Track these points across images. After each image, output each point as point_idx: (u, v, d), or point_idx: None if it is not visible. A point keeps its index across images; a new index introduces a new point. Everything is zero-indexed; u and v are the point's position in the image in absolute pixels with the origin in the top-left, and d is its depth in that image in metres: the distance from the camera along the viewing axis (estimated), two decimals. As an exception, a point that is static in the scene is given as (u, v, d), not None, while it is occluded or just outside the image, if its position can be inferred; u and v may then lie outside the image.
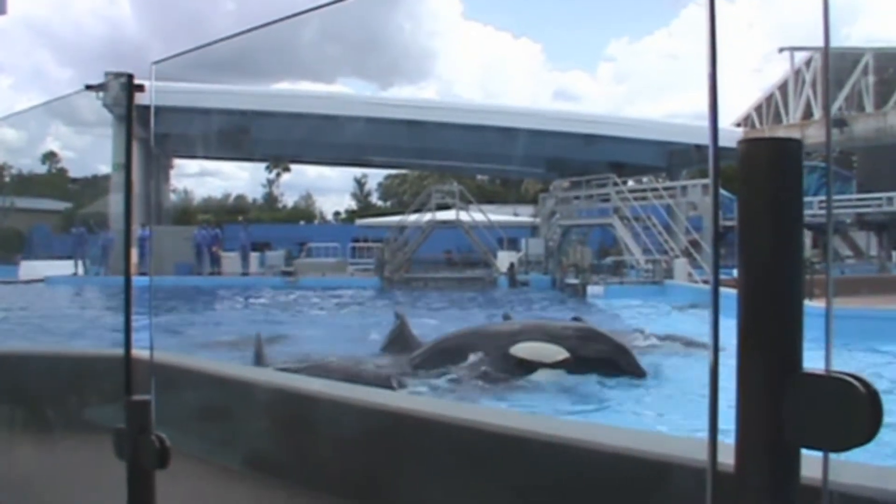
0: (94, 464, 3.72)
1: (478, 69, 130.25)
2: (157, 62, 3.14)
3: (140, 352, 3.32)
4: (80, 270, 40.91)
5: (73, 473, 5.12)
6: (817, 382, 1.34)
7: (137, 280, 3.61)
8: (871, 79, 50.06)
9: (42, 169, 73.39)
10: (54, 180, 74.10)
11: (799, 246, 1.39)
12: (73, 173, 73.84)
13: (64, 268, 40.51)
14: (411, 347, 16.83)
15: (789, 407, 1.34)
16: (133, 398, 3.09)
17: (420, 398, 7.30)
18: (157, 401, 3.11)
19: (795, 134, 48.46)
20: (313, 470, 4.84)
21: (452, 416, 4.31)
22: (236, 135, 47.64)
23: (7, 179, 49.78)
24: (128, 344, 3.17)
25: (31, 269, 40.06)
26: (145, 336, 3.46)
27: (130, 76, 3.28)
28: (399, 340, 17.56)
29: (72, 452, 5.44)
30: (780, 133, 48.16)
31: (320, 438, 4.93)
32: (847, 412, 1.31)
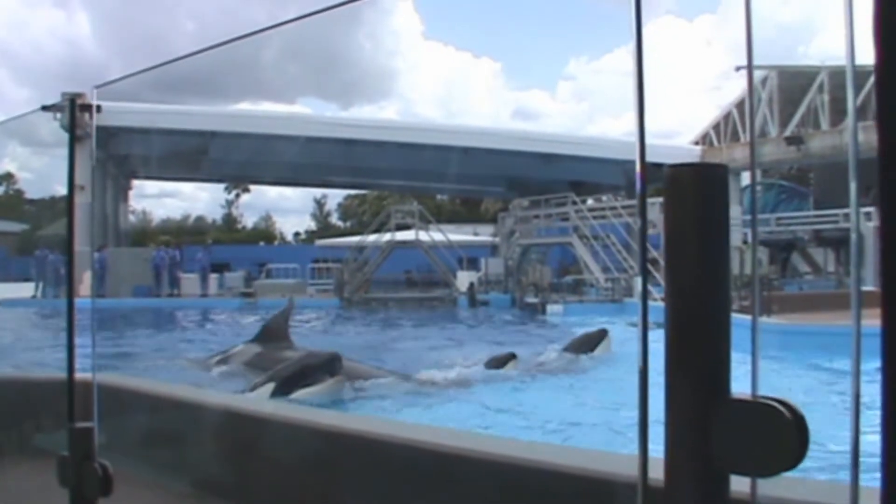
0: (38, 491, 3.67)
1: (438, 88, 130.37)
2: (99, 86, 3.13)
3: (84, 376, 3.29)
4: (40, 293, 40.52)
5: (16, 501, 5.05)
6: (744, 407, 1.34)
7: (93, 302, 3.58)
8: (826, 97, 50.57)
9: (-1, 190, 72.90)
10: (11, 202, 73.52)
11: (725, 270, 1.39)
12: (30, 194, 73.24)
13: (21, 290, 40.05)
14: (281, 338, 17.49)
15: (717, 432, 1.34)
16: (76, 425, 3.05)
17: (372, 419, 7.27)
18: (103, 424, 3.08)
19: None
20: (263, 491, 4.81)
21: (401, 437, 4.30)
22: (195, 155, 47.44)
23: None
24: (71, 370, 3.14)
25: (-14, 291, 39.61)
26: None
27: (73, 99, 3.26)
28: (274, 330, 17.97)
29: (16, 480, 5.37)
30: (738, 151, 48.57)
31: (270, 460, 4.89)
32: (774, 437, 1.31)
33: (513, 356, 18.17)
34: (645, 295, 1.50)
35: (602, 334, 19.54)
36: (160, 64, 3.08)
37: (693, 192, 1.39)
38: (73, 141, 3.20)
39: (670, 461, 1.38)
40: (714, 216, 1.39)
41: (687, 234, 1.39)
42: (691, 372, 1.38)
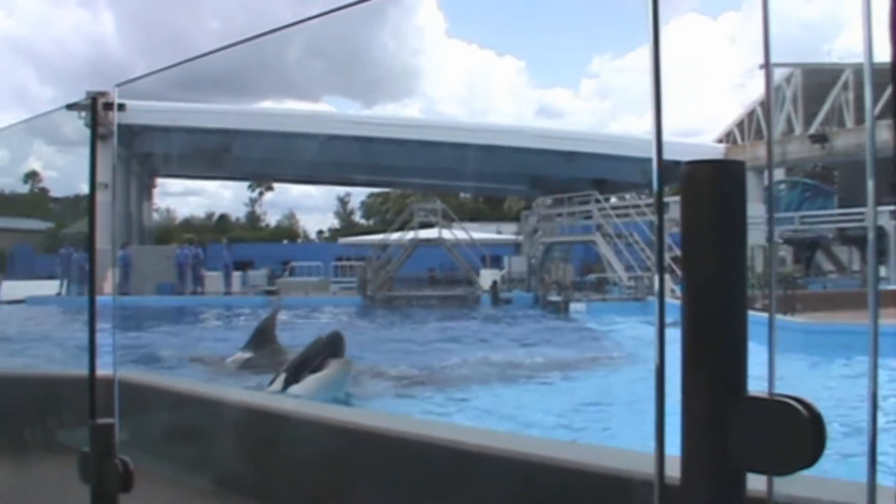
0: (60, 487, 3.69)
1: (462, 87, 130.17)
2: (120, 84, 3.13)
3: (105, 373, 3.30)
4: (65, 290, 40.66)
5: (39, 497, 5.08)
6: (760, 405, 1.34)
7: (114, 300, 3.59)
8: (850, 94, 50.27)
9: (24, 188, 73.12)
10: (36, 200, 73.80)
11: (742, 268, 1.39)
12: (54, 193, 73.42)
13: (47, 288, 40.22)
14: (270, 342, 18.37)
15: (733, 430, 1.33)
16: (97, 422, 3.06)
17: (389, 415, 7.28)
18: (125, 421, 3.09)
19: (776, 149, 48.56)
20: (281, 488, 4.82)
21: (417, 433, 4.31)
22: (219, 153, 47.58)
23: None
24: (92, 367, 3.15)
25: (11, 289, 39.79)
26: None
27: (95, 97, 3.27)
28: (263, 334, 18.90)
29: (38, 475, 5.40)
30: (761, 149, 48.28)
31: (288, 456, 4.90)
32: (790, 435, 1.30)
33: None
34: (662, 293, 1.50)
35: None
36: (181, 62, 3.08)
37: (710, 188, 1.39)
38: (95, 139, 3.21)
39: (686, 459, 1.38)
40: (731, 213, 1.38)
41: (703, 231, 1.38)
42: (708, 370, 1.37)
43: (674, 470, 1.41)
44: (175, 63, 3.09)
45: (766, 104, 53.94)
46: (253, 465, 5.12)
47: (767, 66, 1.49)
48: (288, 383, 13.39)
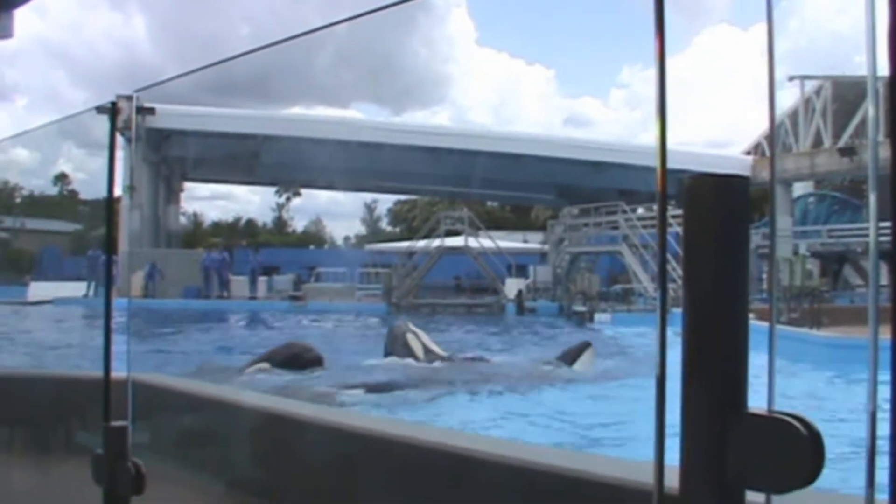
0: (73, 489, 3.71)
1: (491, 95, 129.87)
2: (139, 90, 3.15)
3: (119, 375, 3.31)
4: (92, 293, 40.79)
5: (51, 498, 5.09)
6: (760, 423, 1.33)
7: (129, 302, 3.61)
8: (881, 107, 49.96)
9: (53, 190, 73.38)
10: (65, 202, 74.00)
11: (744, 285, 1.38)
12: (84, 195, 73.47)
13: (74, 290, 40.39)
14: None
15: (732, 446, 1.33)
16: (111, 424, 3.07)
17: (399, 422, 7.32)
18: (139, 424, 3.10)
19: (805, 162, 48.48)
20: (293, 491, 4.82)
21: (421, 439, 4.33)
22: (247, 158, 47.71)
23: (18, 200, 49.95)
24: (107, 370, 3.16)
25: (39, 290, 40.04)
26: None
27: (114, 102, 3.28)
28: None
29: (52, 477, 5.42)
30: (789, 161, 48.15)
31: (302, 459, 4.91)
32: (789, 454, 1.29)
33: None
34: (664, 304, 1.49)
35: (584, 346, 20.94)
36: (202, 67, 3.09)
37: (711, 204, 1.38)
38: (114, 142, 3.22)
39: (685, 473, 1.37)
40: (733, 228, 1.38)
41: (705, 246, 1.37)
42: (708, 385, 1.36)
43: (672, 481, 1.41)
44: (196, 69, 3.11)
45: (801, 115, 53.77)
46: (265, 468, 5.13)
47: (771, 82, 1.48)
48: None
